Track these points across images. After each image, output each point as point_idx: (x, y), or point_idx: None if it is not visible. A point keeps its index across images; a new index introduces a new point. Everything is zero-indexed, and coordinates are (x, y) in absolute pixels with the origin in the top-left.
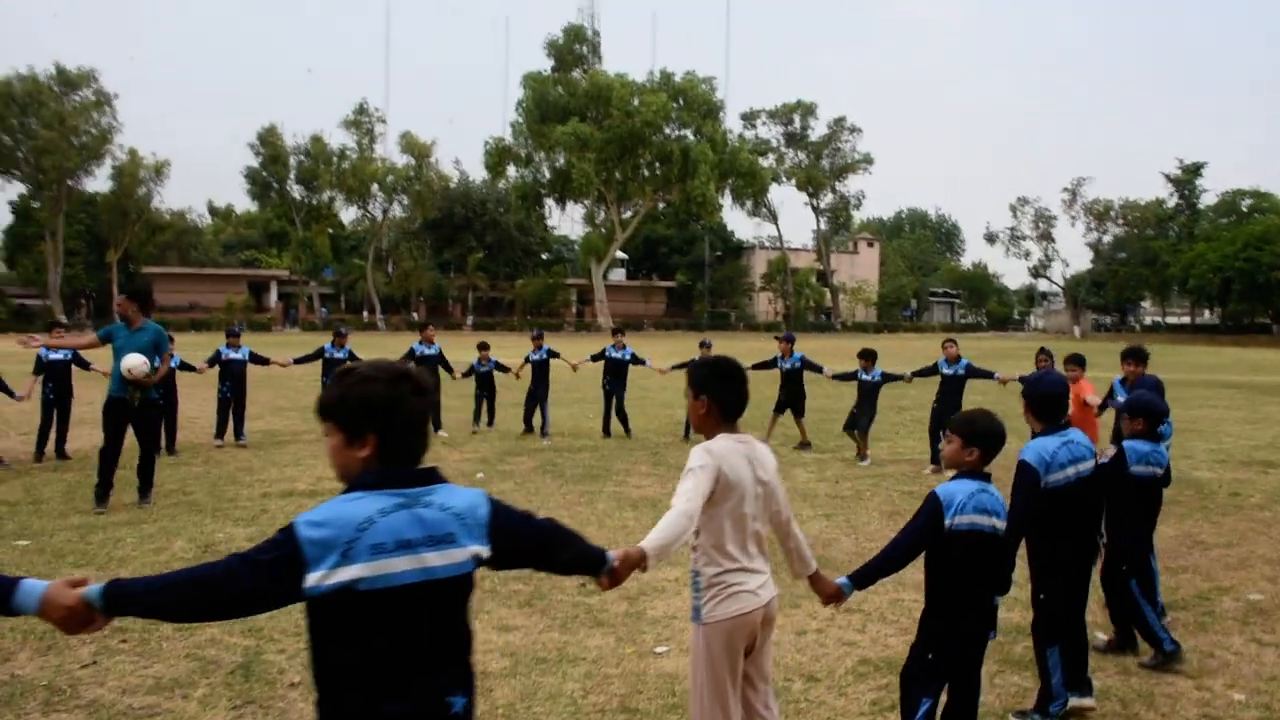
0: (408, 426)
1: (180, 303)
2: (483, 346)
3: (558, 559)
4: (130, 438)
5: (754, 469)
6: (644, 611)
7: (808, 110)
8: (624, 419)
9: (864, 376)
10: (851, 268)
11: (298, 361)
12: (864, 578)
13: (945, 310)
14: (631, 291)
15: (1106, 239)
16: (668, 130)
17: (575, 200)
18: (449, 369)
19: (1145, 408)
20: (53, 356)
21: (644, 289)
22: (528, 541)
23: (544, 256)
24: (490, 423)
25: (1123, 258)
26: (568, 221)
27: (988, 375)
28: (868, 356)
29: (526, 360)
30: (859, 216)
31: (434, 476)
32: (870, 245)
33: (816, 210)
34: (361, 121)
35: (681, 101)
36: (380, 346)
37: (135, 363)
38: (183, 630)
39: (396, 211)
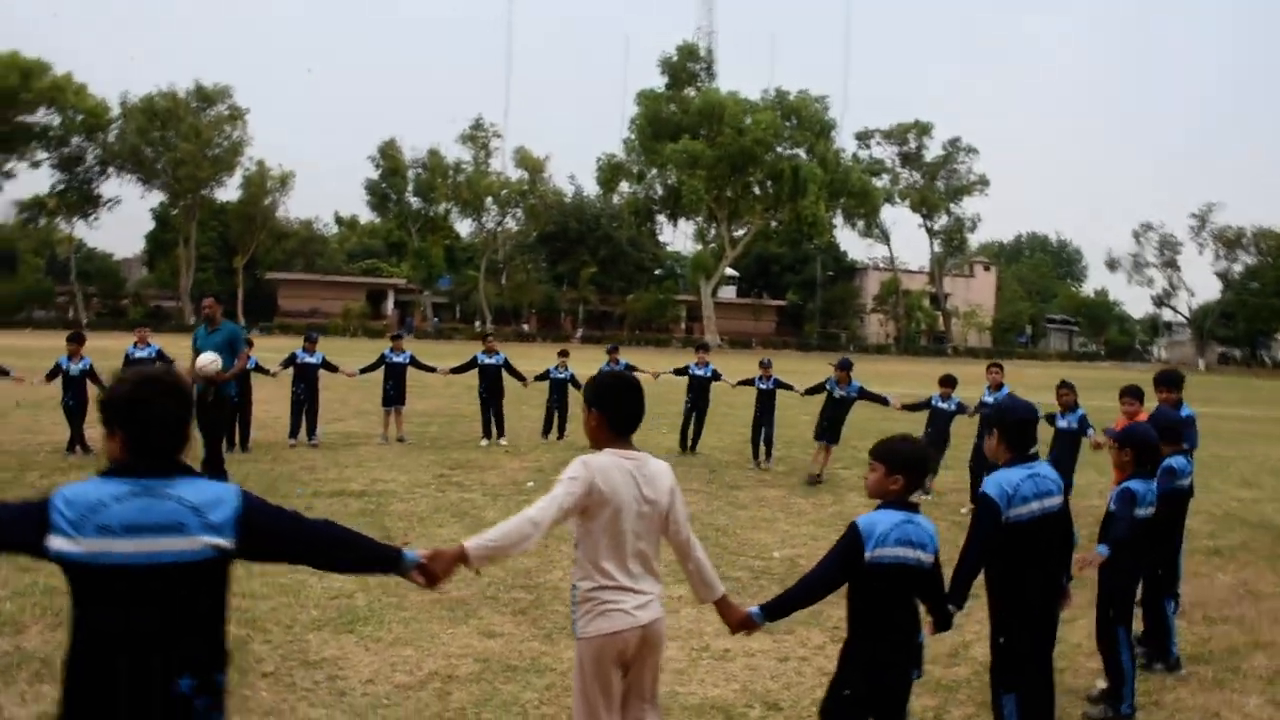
0: (151, 425)
1: (302, 308)
2: (562, 354)
3: (336, 559)
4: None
5: (639, 486)
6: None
7: (923, 130)
8: (696, 436)
9: (939, 404)
10: (967, 291)
11: (362, 371)
12: (776, 609)
13: (1063, 338)
14: (741, 309)
15: (1237, 268)
16: (779, 149)
17: (686, 217)
18: (518, 376)
19: (1135, 438)
20: (139, 354)
21: (754, 307)
22: (287, 540)
23: (656, 272)
24: (561, 435)
25: (1255, 288)
26: (681, 238)
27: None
28: (948, 383)
29: (683, 371)
30: (975, 239)
31: (179, 470)
32: (987, 269)
33: (931, 232)
34: (478, 136)
35: (794, 120)
36: (466, 354)
37: (206, 360)
38: None
39: (510, 225)
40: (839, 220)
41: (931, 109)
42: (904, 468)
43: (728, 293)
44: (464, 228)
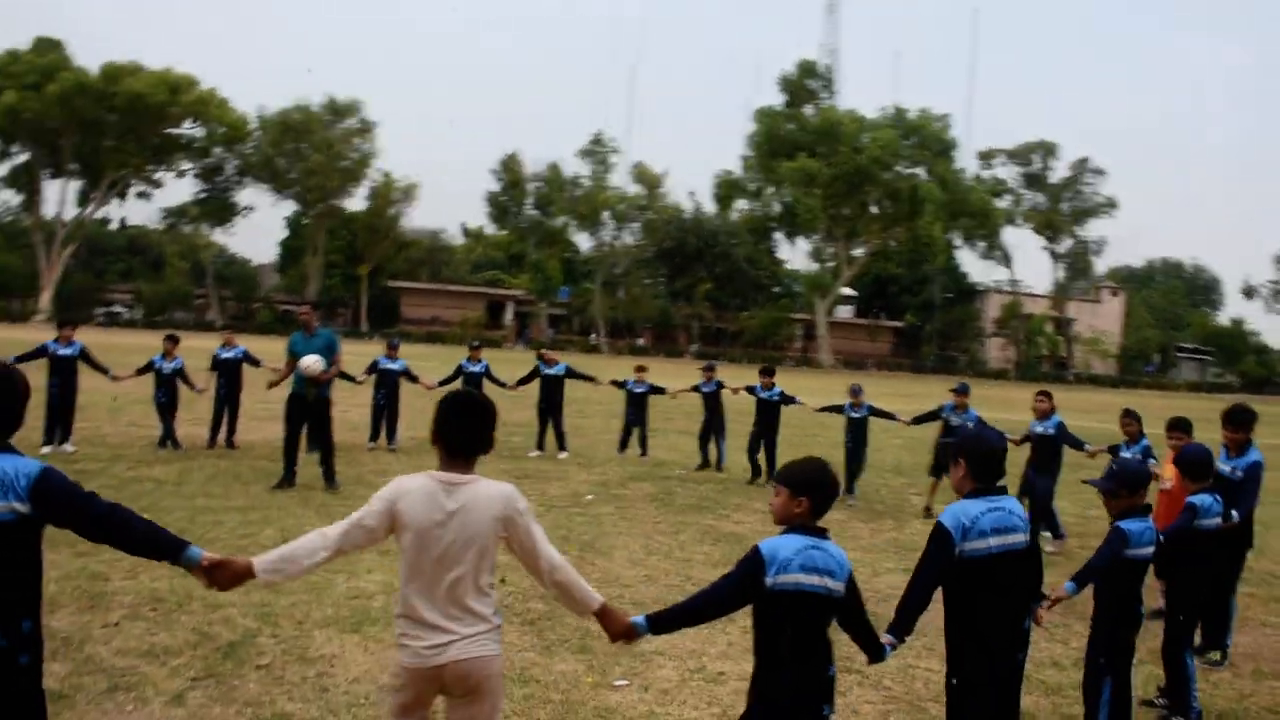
0: None
1: (423, 316)
2: (640, 369)
3: (118, 539)
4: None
5: (446, 512)
6: (637, 645)
7: (1048, 150)
8: (770, 462)
9: (1036, 429)
10: (1092, 317)
11: (441, 383)
12: (662, 622)
13: (1195, 368)
14: (857, 329)
15: None
16: (898, 168)
17: (803, 235)
18: (587, 377)
19: (1120, 478)
20: (225, 355)
21: (870, 327)
22: (76, 514)
23: (775, 290)
24: (643, 452)
25: None
26: (799, 256)
27: (1078, 445)
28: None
29: (696, 389)
30: (1103, 264)
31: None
32: (1114, 294)
33: (1054, 255)
34: (597, 151)
35: (914, 139)
36: (586, 365)
37: (311, 361)
38: (207, 604)
39: (627, 239)
40: (958, 241)
41: (1059, 129)
42: (808, 490)
43: (844, 312)
44: (584, 241)
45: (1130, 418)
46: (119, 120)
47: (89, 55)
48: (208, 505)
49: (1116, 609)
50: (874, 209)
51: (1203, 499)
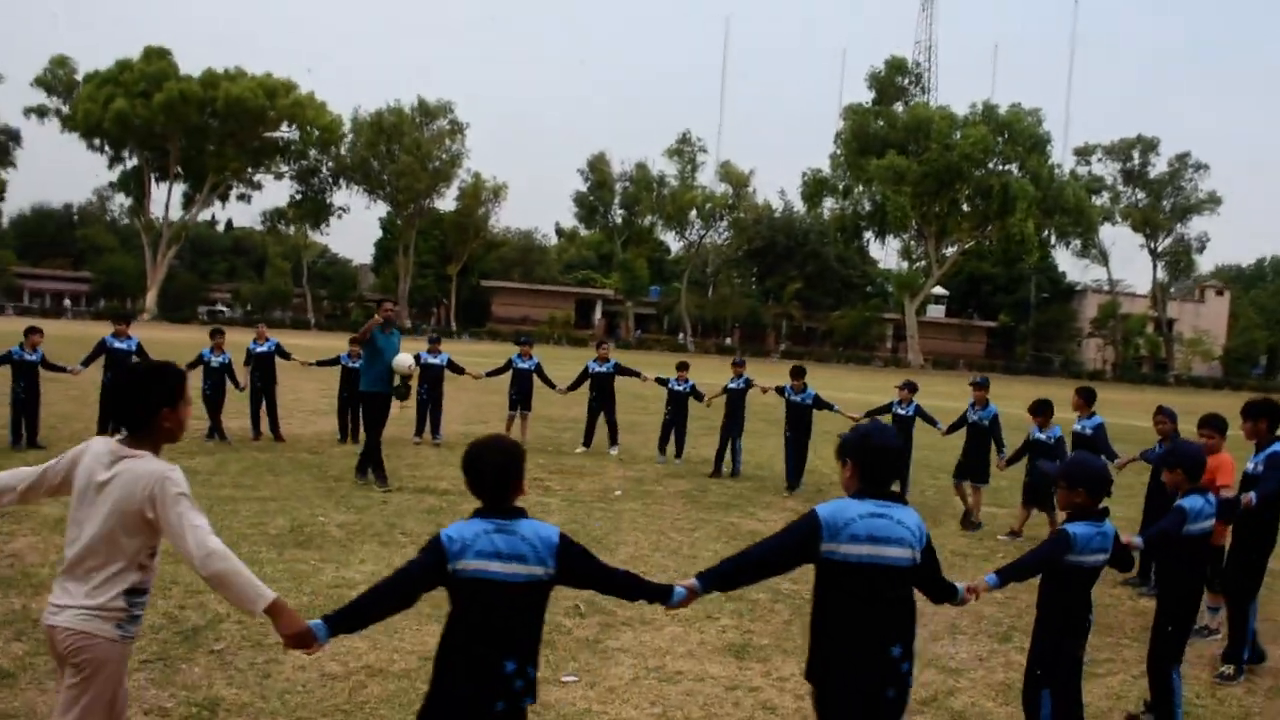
0: None
1: (513, 315)
2: (681, 366)
3: None
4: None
5: (100, 482)
6: (601, 640)
7: (1148, 146)
8: (798, 470)
9: (1036, 436)
10: (1195, 317)
11: (489, 374)
12: (340, 621)
13: None
14: (949, 329)
15: None
16: (991, 164)
17: (893, 234)
18: (634, 373)
19: (1074, 474)
20: (259, 349)
21: (963, 327)
22: None
23: (868, 289)
24: (679, 454)
25: None
26: (891, 255)
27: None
28: (1042, 410)
29: (725, 390)
30: (1207, 262)
31: None
32: (1220, 294)
33: (1154, 253)
34: (684, 150)
35: (1006, 135)
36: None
37: (408, 361)
38: (188, 590)
39: (714, 238)
40: (1053, 240)
41: (1162, 125)
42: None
43: (936, 312)
44: (673, 241)
45: (1163, 415)
46: (220, 125)
47: (200, 59)
48: (233, 495)
49: (1060, 619)
50: (965, 207)
51: (1193, 501)
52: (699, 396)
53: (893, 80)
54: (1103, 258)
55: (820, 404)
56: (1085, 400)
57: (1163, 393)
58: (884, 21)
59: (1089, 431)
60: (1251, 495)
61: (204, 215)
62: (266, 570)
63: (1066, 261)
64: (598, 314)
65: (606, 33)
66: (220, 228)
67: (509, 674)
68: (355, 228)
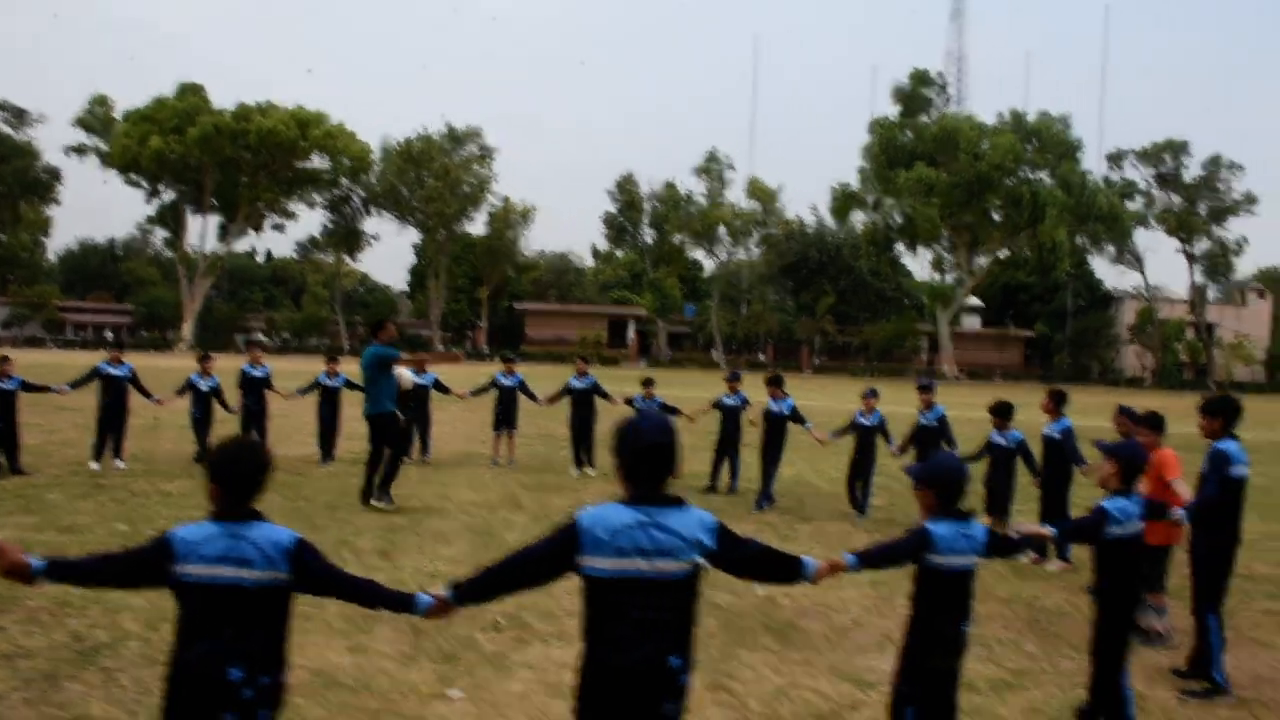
0: None
1: (547, 336)
2: (647, 383)
3: None
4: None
5: None
6: (509, 654)
7: (1179, 149)
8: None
9: (996, 439)
10: (1237, 321)
11: (473, 393)
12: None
13: None
14: (985, 340)
15: None
16: (1021, 173)
17: (924, 245)
18: (606, 396)
19: (924, 473)
20: (254, 373)
21: (998, 338)
22: None
23: (905, 302)
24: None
25: None
26: (925, 267)
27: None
28: (1002, 413)
29: (716, 405)
30: (1249, 264)
31: None
32: (1261, 296)
33: (1190, 257)
34: (711, 168)
35: (1035, 143)
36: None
37: (410, 377)
38: (108, 608)
39: (743, 255)
40: (1087, 246)
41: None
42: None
43: (972, 322)
44: (706, 259)
45: (1124, 416)
46: (253, 157)
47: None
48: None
49: (926, 628)
50: (995, 216)
51: (1117, 503)
52: (671, 411)
53: (918, 92)
54: (1137, 263)
55: (797, 418)
56: (1055, 403)
57: (1202, 398)
58: (914, 35)
59: (1057, 435)
60: (1182, 513)
61: (243, 246)
62: None
63: (1103, 268)
64: (630, 333)
65: (638, 54)
66: (260, 258)
67: (235, 682)
68: (394, 254)
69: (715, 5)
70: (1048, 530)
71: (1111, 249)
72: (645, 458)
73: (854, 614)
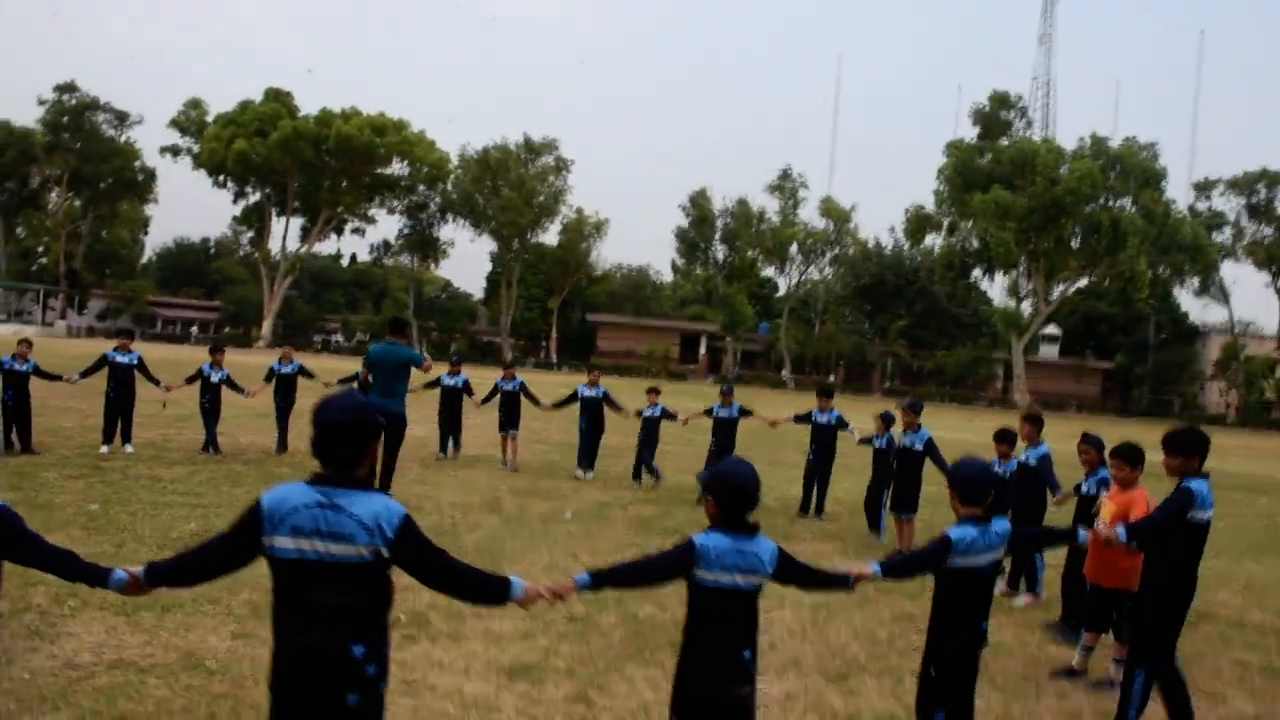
0: None
1: (618, 348)
2: (652, 391)
3: None
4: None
5: None
6: (395, 652)
7: (1274, 179)
8: (815, 499)
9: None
10: None
11: (484, 402)
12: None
13: None
14: (1061, 370)
15: None
16: (1101, 200)
17: (1001, 270)
18: (616, 407)
19: (713, 483)
20: (283, 370)
21: (1076, 368)
22: None
23: (981, 329)
24: (636, 476)
25: None
26: (1002, 294)
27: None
28: (1005, 439)
29: (709, 412)
30: None
31: None
32: None
33: None
34: (784, 186)
35: (1117, 169)
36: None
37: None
38: (29, 581)
39: (819, 274)
40: (1169, 277)
41: None
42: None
43: (1050, 351)
44: (779, 278)
45: (1088, 444)
46: (334, 162)
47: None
48: (172, 502)
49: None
50: (1073, 243)
51: (962, 531)
52: (671, 417)
53: (996, 115)
54: (1224, 296)
55: (744, 412)
56: (1034, 428)
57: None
58: (1002, 57)
59: (1033, 462)
60: (1120, 529)
61: (327, 249)
62: None
63: (1189, 301)
64: (701, 349)
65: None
66: (345, 261)
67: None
68: (475, 262)
69: (799, 26)
70: (869, 569)
71: (1195, 281)
72: (326, 435)
73: (774, 636)
